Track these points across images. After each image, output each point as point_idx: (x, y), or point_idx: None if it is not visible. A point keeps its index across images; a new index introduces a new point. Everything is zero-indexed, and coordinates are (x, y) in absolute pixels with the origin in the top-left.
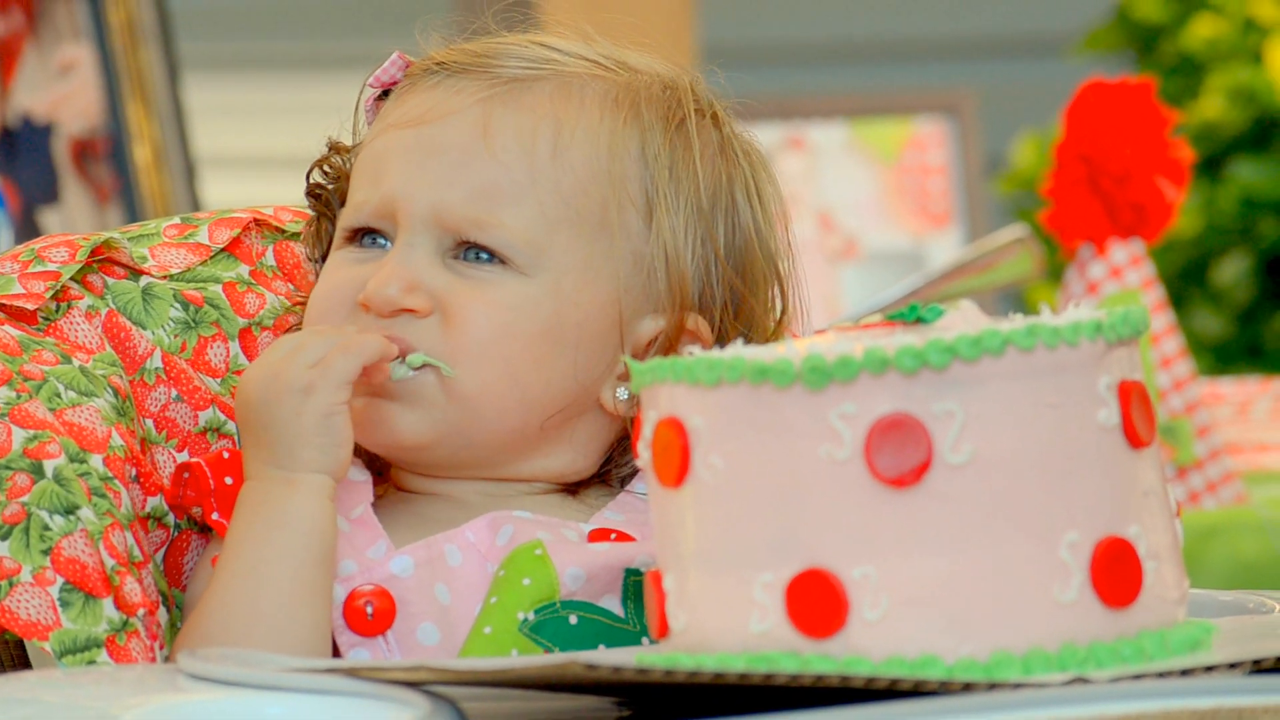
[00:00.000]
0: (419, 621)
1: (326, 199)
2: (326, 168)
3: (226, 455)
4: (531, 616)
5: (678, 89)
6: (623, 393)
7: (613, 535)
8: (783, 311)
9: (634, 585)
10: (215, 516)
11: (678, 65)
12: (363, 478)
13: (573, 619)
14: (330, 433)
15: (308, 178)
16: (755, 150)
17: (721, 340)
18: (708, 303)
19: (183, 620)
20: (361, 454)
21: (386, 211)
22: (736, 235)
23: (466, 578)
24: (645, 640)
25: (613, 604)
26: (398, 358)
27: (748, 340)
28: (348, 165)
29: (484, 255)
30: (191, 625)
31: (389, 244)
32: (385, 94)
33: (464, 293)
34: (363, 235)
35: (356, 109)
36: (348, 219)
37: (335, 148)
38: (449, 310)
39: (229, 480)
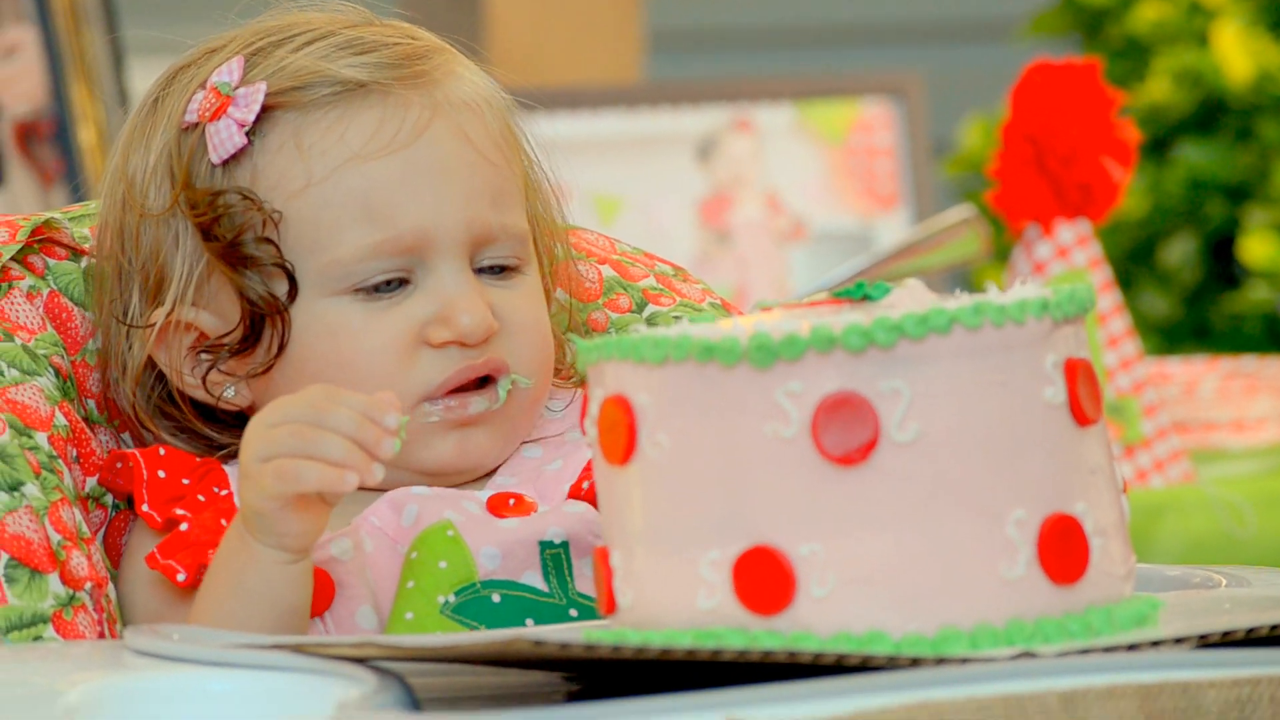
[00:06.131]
0: (357, 605)
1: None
2: (229, 223)
3: (163, 452)
4: (452, 599)
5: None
6: None
7: (511, 501)
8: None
9: (552, 559)
10: (146, 509)
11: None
12: None
13: (495, 597)
14: (273, 520)
15: (208, 229)
16: None
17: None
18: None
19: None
20: None
21: (417, 245)
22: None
23: (380, 564)
24: (572, 612)
25: (534, 579)
26: (485, 387)
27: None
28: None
29: (496, 269)
30: None
31: (409, 281)
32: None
33: (509, 301)
34: (380, 284)
35: (190, 155)
36: (365, 271)
37: (253, 201)
38: (507, 323)
39: (161, 474)
